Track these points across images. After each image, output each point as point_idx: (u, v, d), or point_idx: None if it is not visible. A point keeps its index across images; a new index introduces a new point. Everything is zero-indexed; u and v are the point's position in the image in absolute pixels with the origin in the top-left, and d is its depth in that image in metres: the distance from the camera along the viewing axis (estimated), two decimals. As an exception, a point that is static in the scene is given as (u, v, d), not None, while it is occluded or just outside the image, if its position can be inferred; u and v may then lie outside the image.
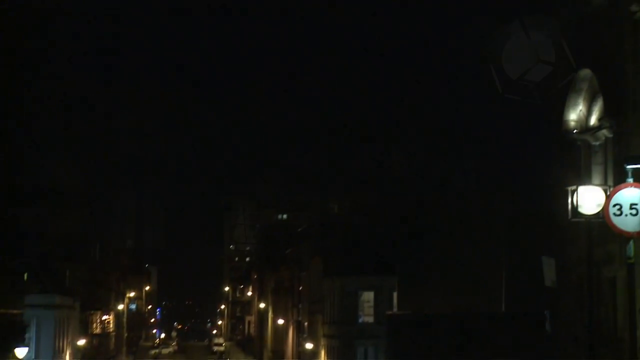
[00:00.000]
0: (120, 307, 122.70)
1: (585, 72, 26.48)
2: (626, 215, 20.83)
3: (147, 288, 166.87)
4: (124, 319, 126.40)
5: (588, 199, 23.84)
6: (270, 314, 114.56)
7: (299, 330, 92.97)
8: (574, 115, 27.27)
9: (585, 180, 26.05)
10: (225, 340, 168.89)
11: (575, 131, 27.10)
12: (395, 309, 56.19)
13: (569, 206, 24.22)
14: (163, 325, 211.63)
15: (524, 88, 26.59)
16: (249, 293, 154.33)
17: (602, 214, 22.41)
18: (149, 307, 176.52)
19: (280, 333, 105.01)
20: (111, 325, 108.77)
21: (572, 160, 27.21)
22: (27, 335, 53.98)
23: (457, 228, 47.98)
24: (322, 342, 78.51)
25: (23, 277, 58.97)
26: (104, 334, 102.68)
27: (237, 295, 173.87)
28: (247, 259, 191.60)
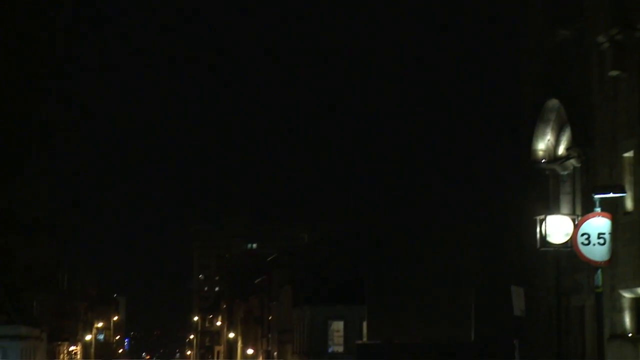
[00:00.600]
0: (88, 337, 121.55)
1: (553, 103, 26.69)
2: (594, 244, 20.94)
3: (116, 318, 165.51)
4: (92, 350, 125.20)
5: (556, 228, 23.97)
6: (239, 344, 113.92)
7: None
8: (542, 145, 27.45)
9: (554, 209, 26.19)
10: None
11: (543, 161, 27.27)
12: (365, 339, 56.03)
13: (538, 235, 24.34)
14: (131, 355, 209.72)
15: (492, 117, 26.77)
16: (218, 323, 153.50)
17: (571, 243, 22.53)
18: (117, 337, 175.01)
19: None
20: (79, 356, 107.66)
21: (541, 189, 27.36)
22: (-7, 367, 53.36)
23: (427, 257, 48.03)
24: (292, 372, 78.18)
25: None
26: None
27: (206, 325, 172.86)
28: (217, 289, 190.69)
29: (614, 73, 22.78)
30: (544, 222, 24.09)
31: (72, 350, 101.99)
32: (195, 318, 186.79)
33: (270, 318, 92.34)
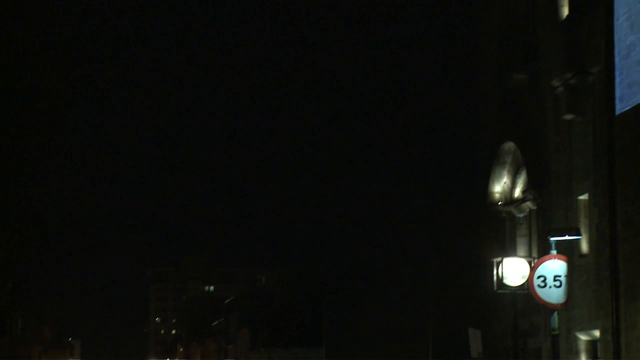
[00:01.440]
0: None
1: (509, 145, 26.89)
2: (550, 287, 21.06)
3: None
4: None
5: (513, 270, 24.06)
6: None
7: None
8: (498, 188, 27.62)
9: (510, 251, 26.30)
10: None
11: (500, 203, 27.42)
12: (323, 382, 55.80)
13: (495, 277, 24.41)
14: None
15: (449, 160, 26.93)
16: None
17: (527, 286, 22.63)
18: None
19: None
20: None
21: (497, 231, 27.47)
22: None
23: (384, 299, 48.00)
24: (249, 415, 77.45)
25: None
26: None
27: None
28: (173, 332, 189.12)
29: (568, 117, 23.01)
30: (500, 265, 24.18)
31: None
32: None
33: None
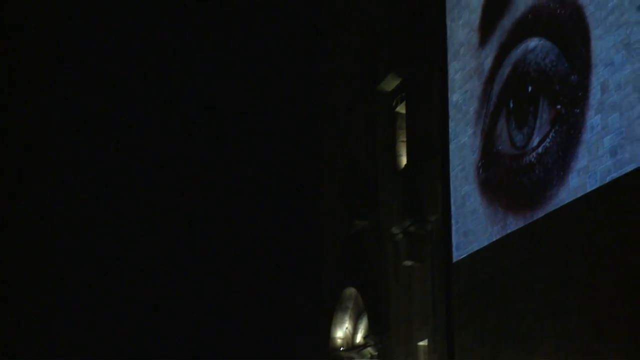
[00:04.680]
0: None
1: (351, 291, 27.12)
2: None
3: None
4: None
5: (354, 417, 24.02)
6: None
7: None
8: (340, 333, 27.70)
9: (352, 398, 26.25)
10: None
11: (342, 349, 27.46)
12: None
13: None
14: None
15: (292, 305, 26.91)
16: None
17: None
18: None
19: None
20: None
21: (339, 377, 27.42)
22: None
23: None
24: None
25: None
26: None
27: None
28: None
29: (407, 263, 23.40)
30: (341, 411, 24.12)
31: None
32: None
33: None
